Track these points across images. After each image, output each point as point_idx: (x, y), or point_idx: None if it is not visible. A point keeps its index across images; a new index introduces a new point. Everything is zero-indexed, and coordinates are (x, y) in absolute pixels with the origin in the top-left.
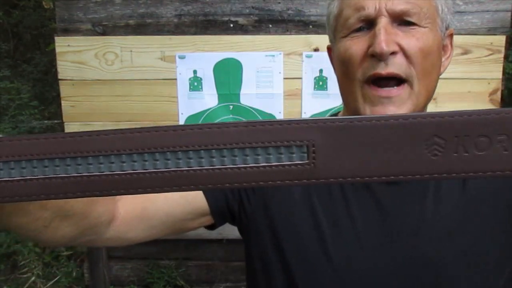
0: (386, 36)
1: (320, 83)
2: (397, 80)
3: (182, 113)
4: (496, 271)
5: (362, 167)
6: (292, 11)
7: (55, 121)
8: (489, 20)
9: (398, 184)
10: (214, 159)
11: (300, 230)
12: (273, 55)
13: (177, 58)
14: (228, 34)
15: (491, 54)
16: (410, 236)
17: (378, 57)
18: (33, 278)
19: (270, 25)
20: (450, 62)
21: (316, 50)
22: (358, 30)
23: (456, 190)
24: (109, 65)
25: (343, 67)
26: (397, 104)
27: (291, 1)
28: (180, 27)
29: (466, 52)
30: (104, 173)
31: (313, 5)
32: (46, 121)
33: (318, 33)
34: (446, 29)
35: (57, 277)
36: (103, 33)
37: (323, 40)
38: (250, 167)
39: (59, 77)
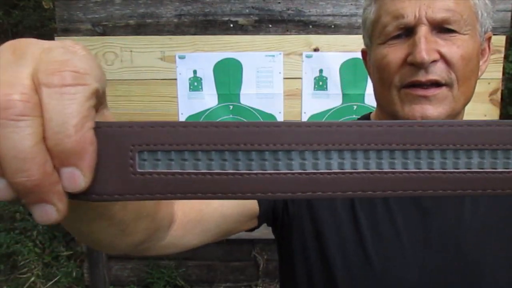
0: (427, 45)
1: (320, 83)
2: (436, 85)
3: (182, 113)
4: None
5: None
6: (292, 11)
7: None
8: None
9: None
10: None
11: (342, 232)
12: (273, 55)
13: (177, 58)
14: (228, 34)
15: (491, 54)
16: (449, 239)
17: (418, 66)
18: (33, 278)
19: (270, 25)
20: (487, 65)
21: (316, 50)
22: (397, 37)
23: None
24: (109, 65)
25: (380, 73)
26: (434, 103)
27: (291, 1)
28: (180, 27)
29: None
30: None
31: (313, 5)
32: None
33: (318, 33)
34: (485, 33)
35: (57, 277)
36: (103, 33)
37: (323, 40)
38: (477, 172)
39: None
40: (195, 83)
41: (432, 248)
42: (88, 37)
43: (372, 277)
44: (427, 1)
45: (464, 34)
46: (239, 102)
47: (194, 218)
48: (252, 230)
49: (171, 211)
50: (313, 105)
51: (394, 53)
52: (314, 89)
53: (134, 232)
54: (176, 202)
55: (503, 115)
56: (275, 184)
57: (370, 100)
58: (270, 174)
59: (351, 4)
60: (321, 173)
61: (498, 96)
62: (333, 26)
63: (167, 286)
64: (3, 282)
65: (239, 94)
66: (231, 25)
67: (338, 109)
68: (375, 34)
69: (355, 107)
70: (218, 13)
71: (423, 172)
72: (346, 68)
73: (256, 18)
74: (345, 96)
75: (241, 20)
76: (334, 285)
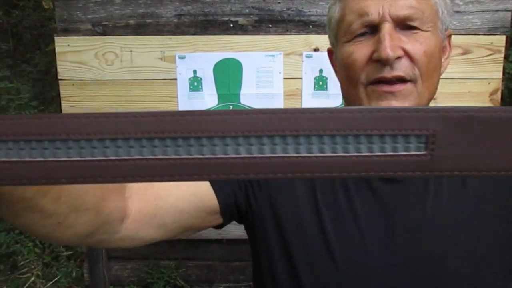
0: (391, 42)
1: (320, 83)
2: (401, 81)
3: None
4: (498, 269)
5: (483, 161)
6: (292, 11)
7: None
8: (489, 20)
9: (399, 182)
10: (324, 146)
11: (304, 227)
12: (273, 55)
13: (177, 58)
14: (228, 34)
15: (491, 54)
16: (412, 234)
17: (383, 62)
18: (32, 278)
19: (270, 25)
20: (449, 62)
21: (316, 50)
22: (362, 35)
23: (456, 188)
24: (109, 65)
25: (347, 71)
26: (399, 98)
27: (291, 1)
28: (180, 27)
29: (466, 52)
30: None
31: (313, 5)
32: None
33: (318, 33)
34: (445, 30)
35: (57, 277)
36: (103, 33)
37: (323, 40)
38: (362, 156)
39: (59, 77)
40: (195, 83)
41: (395, 244)
42: (88, 37)
43: (334, 272)
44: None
45: (426, 31)
46: (239, 102)
47: (150, 213)
48: (220, 227)
49: (121, 205)
50: (313, 105)
51: (360, 50)
52: (314, 89)
53: (75, 225)
54: (131, 197)
55: None
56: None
57: None
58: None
59: None
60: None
61: (498, 96)
62: None
63: (167, 286)
64: (3, 282)
65: (239, 94)
66: (231, 25)
67: None
68: (340, 32)
69: None
70: (218, 13)
71: (303, 157)
72: None
73: (256, 18)
74: None
75: (241, 20)
76: (298, 281)
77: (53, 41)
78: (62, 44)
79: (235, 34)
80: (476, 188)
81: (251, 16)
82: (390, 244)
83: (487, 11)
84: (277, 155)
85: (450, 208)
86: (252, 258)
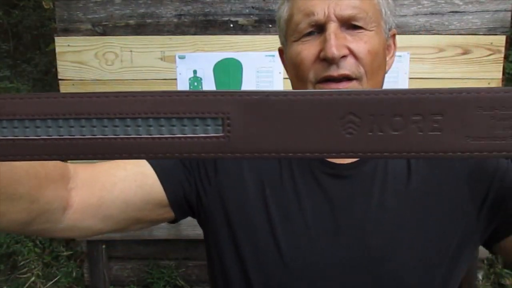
0: (336, 41)
1: None
2: (347, 79)
3: None
4: (438, 266)
5: (279, 143)
6: None
7: None
8: (489, 20)
9: (346, 178)
10: (129, 128)
11: (253, 222)
12: (273, 55)
13: (177, 58)
14: (228, 34)
15: (491, 54)
16: (357, 229)
17: (329, 61)
18: (33, 278)
19: (270, 25)
20: (394, 60)
21: None
22: (309, 34)
23: (401, 185)
24: (109, 65)
25: (295, 70)
26: None
27: None
28: (180, 27)
29: (466, 52)
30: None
31: None
32: None
33: None
34: (389, 30)
35: (57, 277)
36: (103, 33)
37: None
38: (164, 137)
39: (59, 77)
40: (195, 83)
41: (339, 240)
42: (88, 37)
43: (281, 267)
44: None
45: (370, 31)
46: None
47: (95, 203)
48: (174, 221)
49: (62, 195)
50: None
51: (308, 49)
52: None
53: (9, 213)
54: (74, 188)
55: None
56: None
57: None
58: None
59: None
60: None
61: None
62: None
63: (167, 286)
64: (3, 282)
65: None
66: (231, 25)
67: None
68: (289, 32)
69: None
70: (218, 13)
71: (102, 139)
72: None
73: (256, 18)
74: None
75: (241, 20)
76: (246, 276)
77: (53, 41)
78: (62, 44)
79: (235, 34)
80: (419, 185)
81: (251, 16)
82: (335, 240)
83: (487, 11)
84: (64, 136)
85: (393, 204)
86: (206, 256)
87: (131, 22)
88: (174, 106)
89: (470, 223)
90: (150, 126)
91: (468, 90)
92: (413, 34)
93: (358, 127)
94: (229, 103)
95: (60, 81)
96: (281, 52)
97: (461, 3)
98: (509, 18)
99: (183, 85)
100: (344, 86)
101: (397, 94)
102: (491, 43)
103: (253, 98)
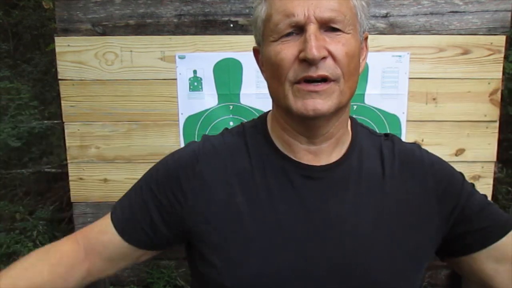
0: (317, 43)
1: None
2: (324, 80)
3: (182, 113)
4: (409, 268)
5: None
6: None
7: (55, 121)
8: (489, 20)
9: (321, 179)
10: None
11: (226, 228)
12: None
13: (177, 58)
14: (228, 34)
15: (491, 54)
16: (328, 231)
17: (310, 62)
18: None
19: None
20: (365, 62)
21: None
22: (288, 35)
23: (375, 186)
24: (109, 65)
25: (274, 69)
26: (324, 97)
27: None
28: (180, 27)
29: (466, 52)
30: None
31: None
32: (46, 121)
33: None
34: (363, 32)
35: None
36: (103, 33)
37: None
38: None
39: (59, 77)
40: (195, 83)
41: (315, 241)
42: (88, 37)
43: (255, 270)
44: (314, 1)
45: (348, 33)
46: (239, 102)
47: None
48: (161, 249)
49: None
50: None
51: (287, 49)
52: None
53: None
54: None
55: (503, 115)
56: None
57: (370, 100)
58: None
59: None
60: None
61: (498, 96)
62: None
63: (167, 286)
64: None
65: (239, 94)
66: (231, 25)
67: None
68: (267, 32)
69: (355, 107)
70: (218, 13)
71: None
72: None
73: None
74: None
75: (241, 20)
76: (214, 276)
77: (53, 41)
78: (62, 44)
79: (235, 34)
80: (393, 190)
81: (251, 16)
82: (309, 241)
83: (487, 11)
84: None
85: (366, 205)
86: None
87: (131, 22)
88: None
89: (434, 231)
90: None
91: None
92: (413, 34)
93: None
94: None
95: (60, 81)
96: (256, 51)
97: (461, 3)
98: (509, 18)
99: (183, 85)
100: (322, 88)
101: None
102: (491, 43)
103: None
